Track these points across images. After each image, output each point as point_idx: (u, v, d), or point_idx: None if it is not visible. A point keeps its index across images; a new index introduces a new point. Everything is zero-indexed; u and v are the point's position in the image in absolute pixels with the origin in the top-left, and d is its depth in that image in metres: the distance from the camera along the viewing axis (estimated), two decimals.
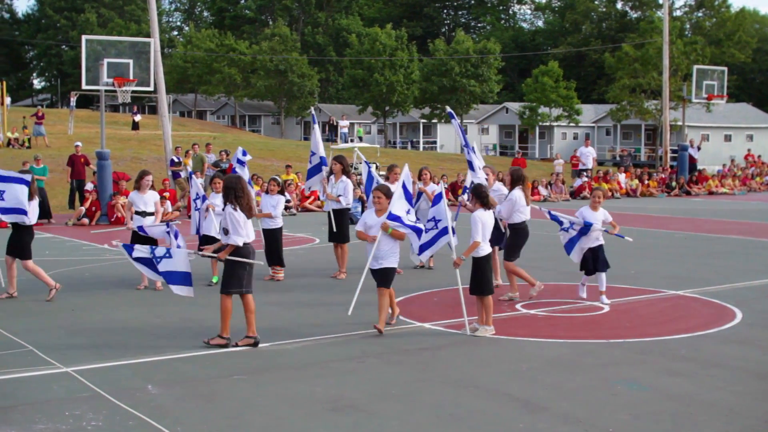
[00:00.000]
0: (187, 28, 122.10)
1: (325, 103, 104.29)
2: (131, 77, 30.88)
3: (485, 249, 12.57)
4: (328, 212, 18.27)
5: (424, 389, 9.95)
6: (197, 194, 17.04)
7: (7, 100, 67.14)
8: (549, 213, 15.33)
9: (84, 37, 31.64)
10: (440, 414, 9.07)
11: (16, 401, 9.46)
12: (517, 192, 15.31)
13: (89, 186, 31.64)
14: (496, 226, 14.93)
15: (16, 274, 15.88)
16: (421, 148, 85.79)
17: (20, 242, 15.74)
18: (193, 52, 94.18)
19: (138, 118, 61.33)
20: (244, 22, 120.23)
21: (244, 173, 18.91)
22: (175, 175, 33.41)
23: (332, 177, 18.40)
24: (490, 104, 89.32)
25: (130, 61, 31.03)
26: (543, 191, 41.41)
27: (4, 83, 55.85)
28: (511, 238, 15.55)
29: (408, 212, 12.89)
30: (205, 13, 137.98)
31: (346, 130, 67.65)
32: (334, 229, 17.93)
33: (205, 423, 8.77)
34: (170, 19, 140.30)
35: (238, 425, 8.73)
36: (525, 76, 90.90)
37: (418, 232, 12.97)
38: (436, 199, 13.27)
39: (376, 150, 51.53)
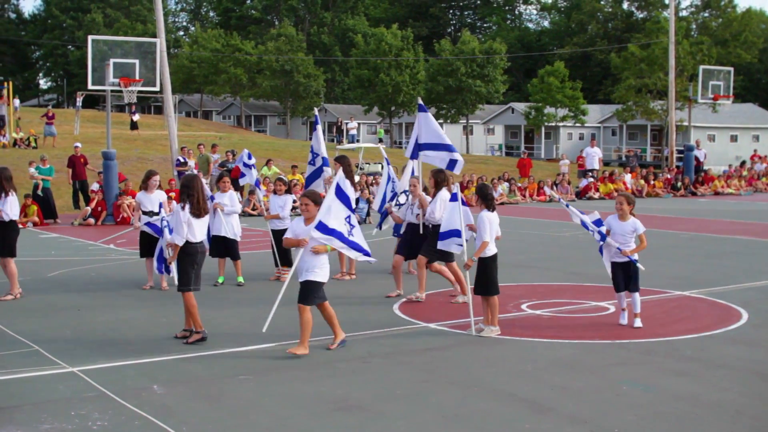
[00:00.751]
0: (193, 29, 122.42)
1: (330, 103, 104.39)
2: (137, 77, 30.87)
3: (492, 249, 12.57)
4: None
5: (430, 389, 9.95)
6: None
7: (16, 102, 67.16)
8: (567, 206, 14.46)
9: (90, 38, 31.61)
10: (446, 414, 9.07)
11: (22, 401, 9.47)
12: (444, 193, 15.27)
13: (95, 186, 31.63)
14: (423, 234, 15.20)
15: (16, 273, 15.83)
16: (382, 146, 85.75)
17: (4, 239, 15.65)
18: (199, 53, 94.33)
19: (136, 117, 60.92)
20: (250, 23, 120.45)
21: (251, 176, 18.96)
22: (181, 175, 33.41)
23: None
24: (496, 104, 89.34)
25: (136, 62, 31.02)
26: (549, 191, 41.33)
27: (11, 83, 55.90)
28: (433, 238, 14.96)
29: (348, 219, 11.80)
30: (211, 14, 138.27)
31: (354, 131, 67.37)
32: None
33: (210, 423, 8.78)
34: (176, 20, 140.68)
35: (244, 425, 8.73)
36: (531, 77, 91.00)
37: (350, 244, 11.77)
38: (452, 198, 13.33)
39: (382, 150, 51.40)
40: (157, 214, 16.62)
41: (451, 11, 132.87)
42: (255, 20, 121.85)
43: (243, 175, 19.12)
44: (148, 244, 16.38)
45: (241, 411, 9.17)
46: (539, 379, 10.39)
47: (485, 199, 12.75)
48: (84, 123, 62.70)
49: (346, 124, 68.57)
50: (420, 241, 15.33)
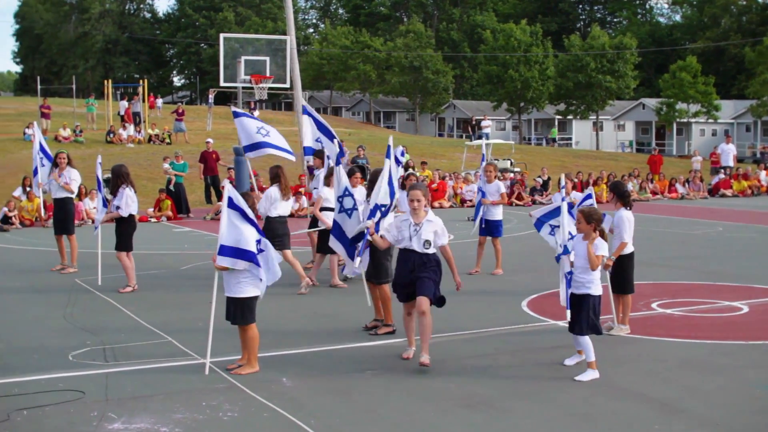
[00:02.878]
0: (322, 26, 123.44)
1: (459, 99, 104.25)
2: (268, 74, 31.27)
3: (629, 248, 12.38)
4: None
5: (557, 388, 9.88)
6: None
7: (159, 101, 68.59)
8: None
9: (222, 36, 32.19)
10: (573, 413, 8.99)
11: (156, 390, 9.70)
12: (272, 189, 16.01)
13: (225, 182, 32.07)
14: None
15: (132, 266, 16.19)
16: (556, 145, 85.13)
17: (120, 233, 16.06)
18: (329, 49, 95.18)
19: (256, 113, 61.43)
20: (378, 19, 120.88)
21: (396, 172, 18.82)
22: (311, 171, 33.70)
23: (316, 172, 18.75)
24: (627, 100, 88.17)
25: (267, 59, 31.43)
26: (680, 189, 40.62)
27: (146, 81, 57.19)
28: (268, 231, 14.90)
29: (257, 242, 10.41)
30: (341, 11, 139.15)
31: (488, 130, 66.40)
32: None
33: (338, 416, 8.86)
34: (306, 17, 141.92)
35: (372, 419, 8.80)
36: (662, 72, 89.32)
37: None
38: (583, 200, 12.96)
39: (511, 146, 51.28)
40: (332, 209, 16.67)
41: (580, 6, 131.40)
42: (384, 17, 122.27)
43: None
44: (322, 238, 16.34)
45: (369, 405, 9.23)
46: (669, 379, 10.22)
47: (622, 197, 12.48)
48: (216, 119, 63.76)
49: (479, 121, 67.76)
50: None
